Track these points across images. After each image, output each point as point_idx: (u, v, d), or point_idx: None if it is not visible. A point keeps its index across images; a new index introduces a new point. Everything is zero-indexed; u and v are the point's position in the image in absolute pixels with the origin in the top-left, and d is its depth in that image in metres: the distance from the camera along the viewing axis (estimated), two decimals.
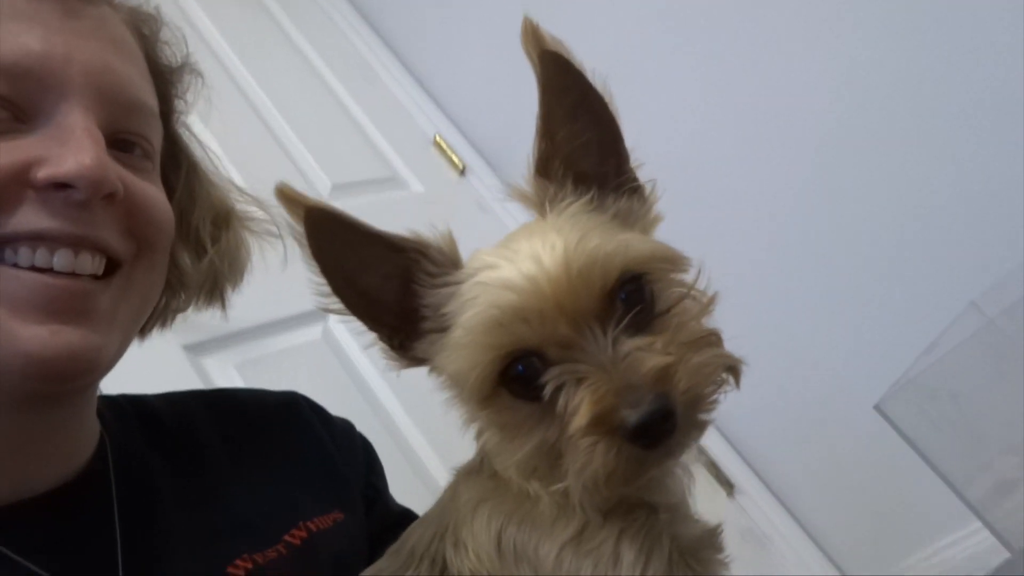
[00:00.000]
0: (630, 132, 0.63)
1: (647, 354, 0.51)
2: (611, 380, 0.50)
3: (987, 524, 0.92)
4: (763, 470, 1.68)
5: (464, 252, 0.60)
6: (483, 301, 0.54)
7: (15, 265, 0.57)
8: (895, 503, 1.50)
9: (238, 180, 0.84)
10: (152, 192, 0.66)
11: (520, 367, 0.54)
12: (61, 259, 0.58)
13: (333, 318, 1.62)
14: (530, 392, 0.54)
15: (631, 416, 0.49)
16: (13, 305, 0.56)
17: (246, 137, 1.81)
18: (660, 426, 0.49)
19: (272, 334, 1.56)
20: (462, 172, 2.08)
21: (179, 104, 0.76)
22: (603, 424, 0.50)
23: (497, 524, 0.59)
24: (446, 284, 0.57)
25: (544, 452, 0.55)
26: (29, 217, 0.57)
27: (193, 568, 0.68)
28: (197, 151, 0.79)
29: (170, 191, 0.71)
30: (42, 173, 0.57)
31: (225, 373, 1.46)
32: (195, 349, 1.45)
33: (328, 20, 2.22)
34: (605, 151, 0.62)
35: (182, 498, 0.72)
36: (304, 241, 0.56)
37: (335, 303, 0.58)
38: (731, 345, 0.59)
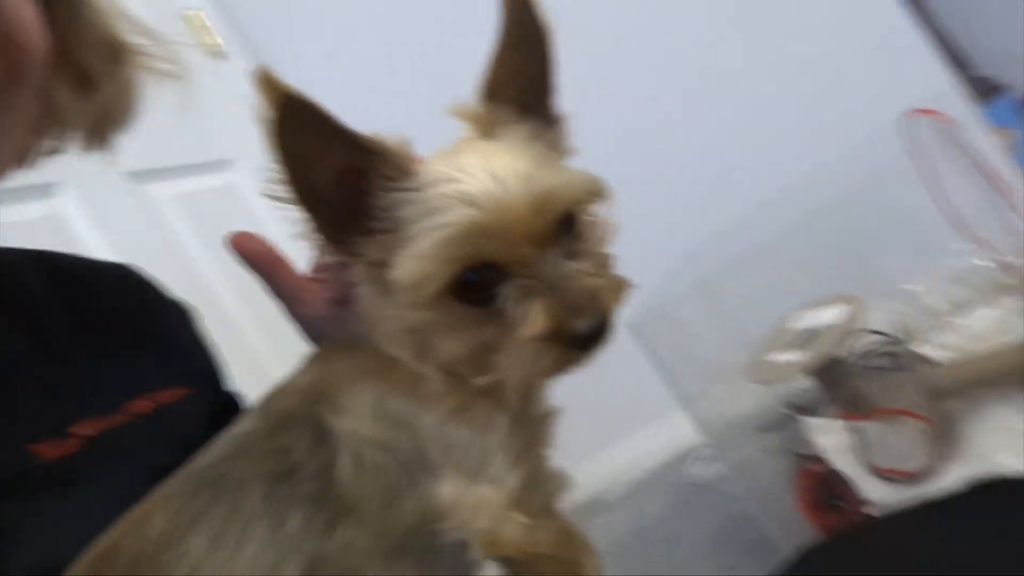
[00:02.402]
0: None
1: (586, 276, 0.61)
2: (560, 297, 0.59)
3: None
4: None
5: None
6: (449, 214, 0.58)
7: None
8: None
9: None
10: (27, 11, 0.59)
11: (471, 275, 0.60)
12: None
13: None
14: (476, 297, 0.60)
15: (582, 326, 0.58)
16: None
17: None
18: (601, 335, 0.60)
19: None
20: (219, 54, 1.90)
21: None
22: (555, 333, 0.58)
23: (378, 393, 0.64)
24: (401, 189, 0.61)
25: (479, 350, 0.62)
26: None
27: (33, 423, 0.65)
28: None
29: (50, 13, 0.63)
30: None
31: None
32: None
33: None
34: (539, 82, 0.68)
35: (19, 353, 0.69)
36: (273, 128, 0.55)
37: (282, 191, 0.59)
38: None
